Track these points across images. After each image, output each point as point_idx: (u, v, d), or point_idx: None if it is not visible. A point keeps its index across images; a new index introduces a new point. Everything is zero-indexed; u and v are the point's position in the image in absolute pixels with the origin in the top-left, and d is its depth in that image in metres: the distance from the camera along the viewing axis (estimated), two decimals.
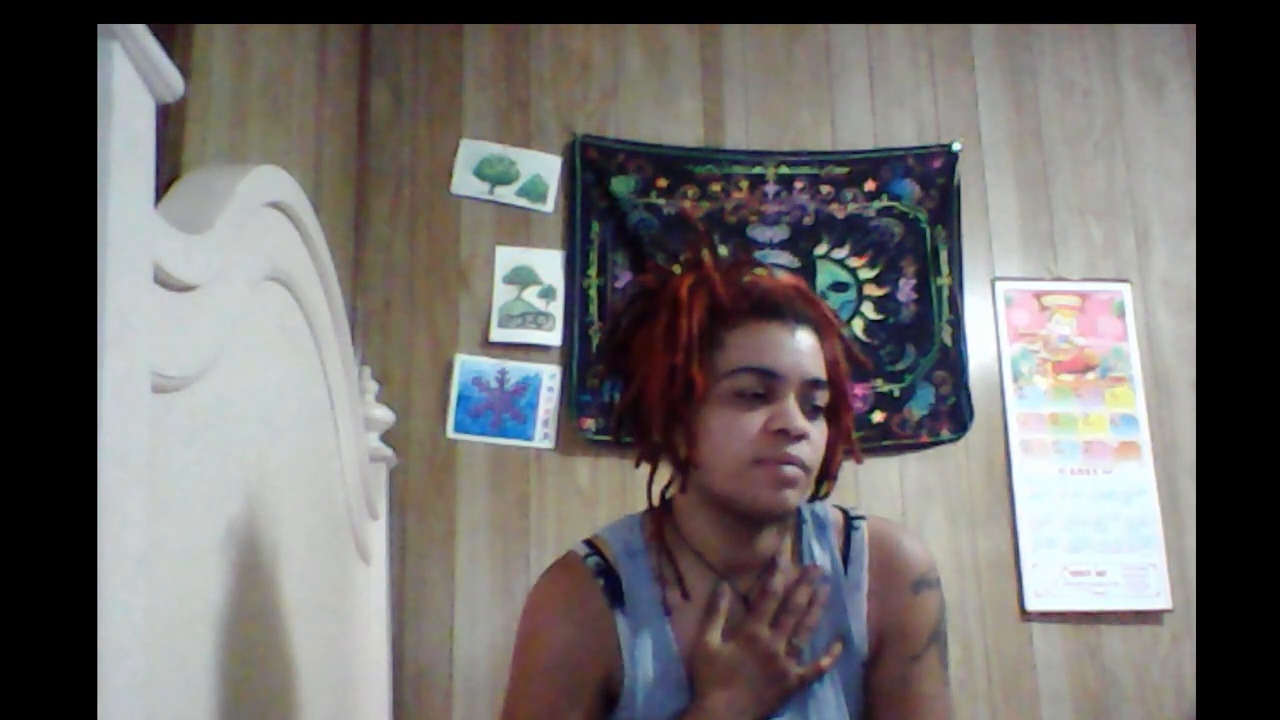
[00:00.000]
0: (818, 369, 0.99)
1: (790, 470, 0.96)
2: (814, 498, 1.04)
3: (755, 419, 0.96)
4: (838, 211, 2.51)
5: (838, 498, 1.09)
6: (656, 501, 1.06)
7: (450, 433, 2.35)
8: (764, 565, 1.02)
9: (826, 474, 1.02)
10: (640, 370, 1.00)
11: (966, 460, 2.43)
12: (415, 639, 2.24)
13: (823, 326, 1.01)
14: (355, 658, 1.78)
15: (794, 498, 0.97)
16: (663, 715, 0.99)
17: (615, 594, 1.01)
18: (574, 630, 1.00)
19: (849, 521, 1.07)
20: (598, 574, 1.02)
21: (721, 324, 0.98)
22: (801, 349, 0.98)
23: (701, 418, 0.97)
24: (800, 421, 0.96)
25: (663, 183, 2.49)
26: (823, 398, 0.99)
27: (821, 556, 1.04)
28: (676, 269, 1.04)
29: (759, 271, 1.03)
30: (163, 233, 0.85)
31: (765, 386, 0.97)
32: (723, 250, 1.09)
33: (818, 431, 0.98)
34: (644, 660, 1.00)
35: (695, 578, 1.02)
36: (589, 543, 1.06)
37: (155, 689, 0.81)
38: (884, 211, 2.52)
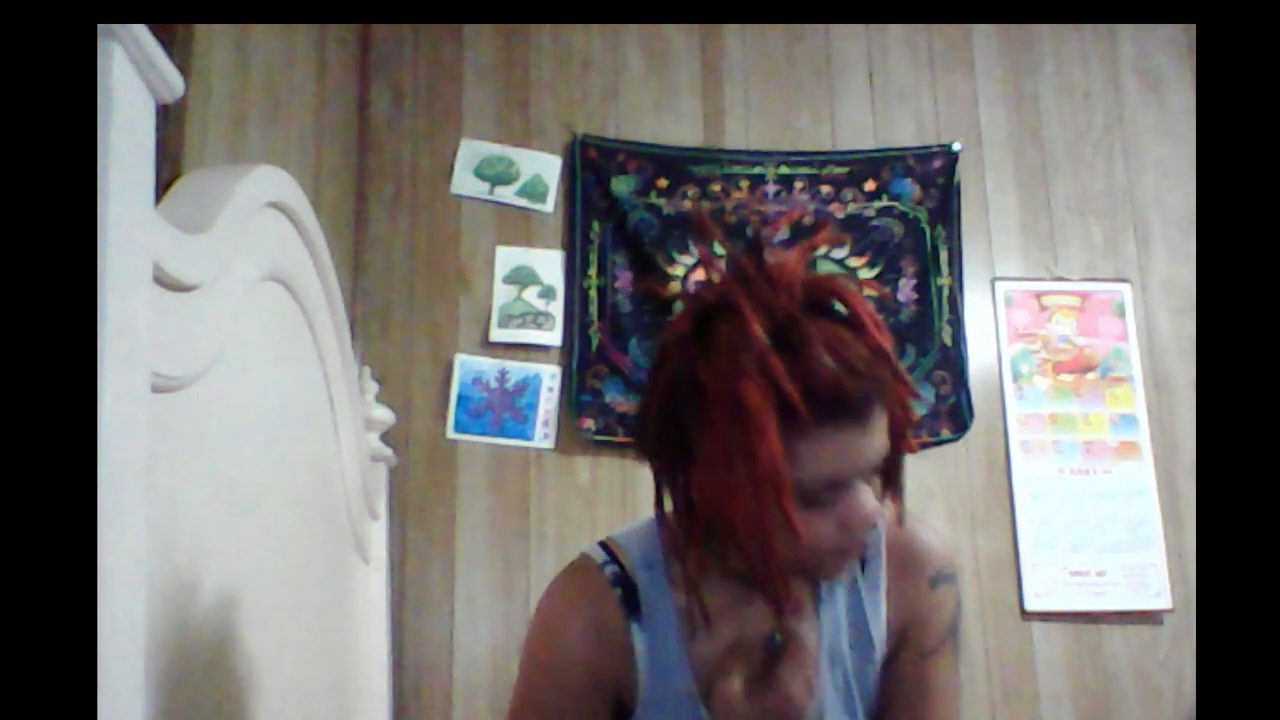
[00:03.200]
0: (886, 444, 0.88)
1: (858, 549, 0.92)
2: None
3: (827, 518, 0.87)
4: (838, 211, 2.51)
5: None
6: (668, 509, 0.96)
7: (450, 433, 2.35)
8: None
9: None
10: (712, 481, 0.87)
11: (966, 460, 2.43)
12: (415, 639, 2.24)
13: (891, 390, 0.87)
14: (355, 658, 1.78)
15: (851, 564, 0.96)
16: None
17: (632, 604, 0.97)
18: (587, 640, 0.96)
19: None
20: (614, 583, 0.97)
21: (792, 430, 0.83)
22: (874, 440, 0.87)
23: None
24: (873, 509, 0.88)
25: (663, 183, 2.49)
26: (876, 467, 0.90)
27: None
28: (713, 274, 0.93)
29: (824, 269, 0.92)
30: (163, 233, 0.85)
31: (834, 492, 0.87)
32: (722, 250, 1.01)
33: (874, 497, 0.90)
34: (660, 674, 0.96)
35: (717, 587, 0.96)
36: (605, 547, 1.01)
37: (155, 689, 0.81)
38: (884, 211, 2.52)
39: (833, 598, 1.00)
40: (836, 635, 0.99)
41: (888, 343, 0.88)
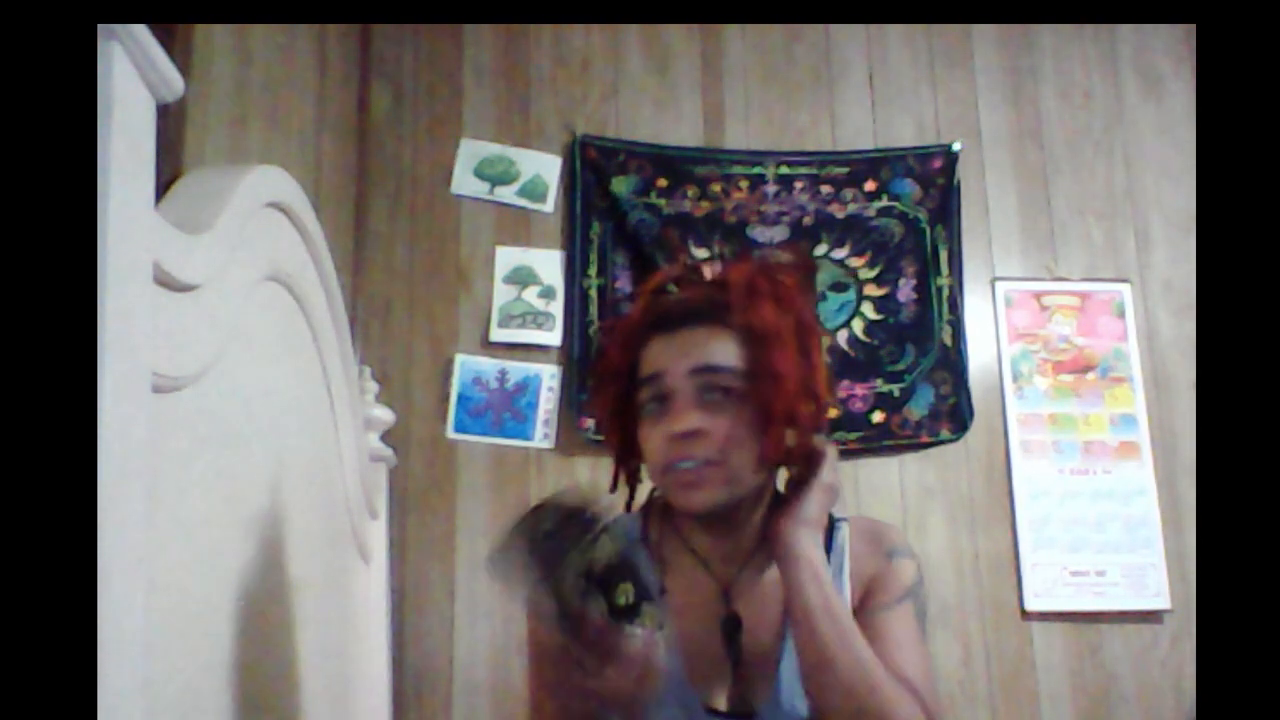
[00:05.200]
0: (709, 356, 0.99)
1: (688, 473, 0.98)
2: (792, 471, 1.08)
3: (658, 428, 1.00)
4: (837, 211, 2.51)
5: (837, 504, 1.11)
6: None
7: (450, 433, 2.35)
8: (748, 556, 1.08)
9: (772, 450, 1.00)
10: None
11: (966, 460, 2.42)
12: (415, 639, 2.24)
13: (733, 315, 1.00)
14: (355, 658, 1.78)
15: (707, 495, 0.99)
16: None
17: None
18: None
19: (833, 522, 1.12)
20: None
21: (638, 344, 1.04)
22: (687, 346, 1.00)
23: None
24: (686, 420, 0.97)
25: (663, 183, 2.48)
26: (728, 379, 0.99)
27: None
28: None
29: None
30: (163, 233, 0.85)
31: (660, 393, 1.00)
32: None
33: (724, 419, 0.98)
34: None
35: (682, 566, 1.09)
36: None
37: (155, 689, 0.81)
38: (884, 211, 2.52)
39: None
40: None
41: (759, 302, 1.01)
